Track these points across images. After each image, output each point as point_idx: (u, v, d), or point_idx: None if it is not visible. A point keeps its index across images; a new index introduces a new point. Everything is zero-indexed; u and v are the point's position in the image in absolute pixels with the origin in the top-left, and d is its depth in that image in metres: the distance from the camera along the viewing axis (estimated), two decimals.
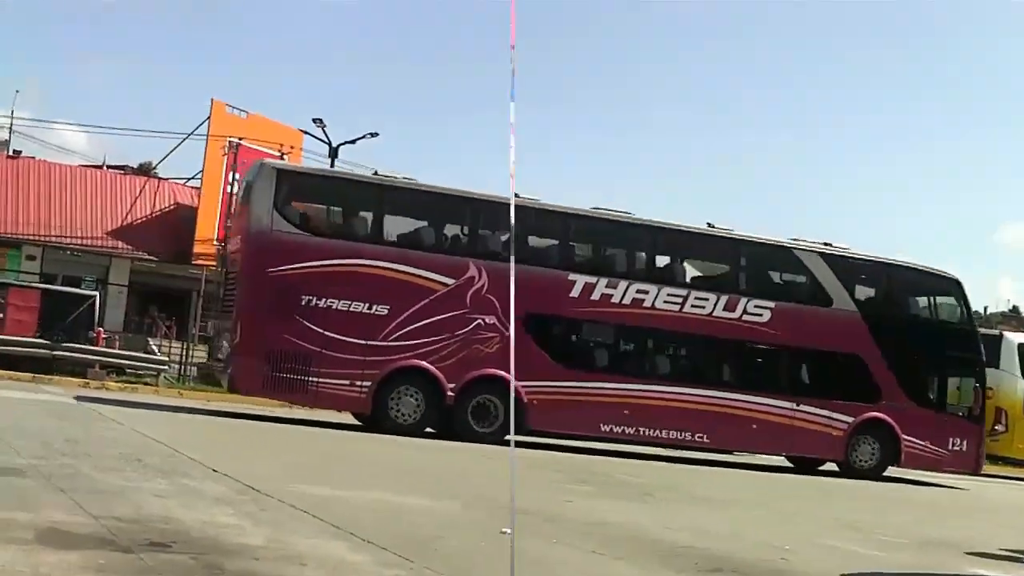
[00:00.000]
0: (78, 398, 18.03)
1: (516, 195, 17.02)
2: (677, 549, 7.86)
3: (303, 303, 16.64)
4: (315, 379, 16.75)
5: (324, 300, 16.73)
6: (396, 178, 17.85)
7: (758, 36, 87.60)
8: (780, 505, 13.08)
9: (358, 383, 16.87)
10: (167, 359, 28.30)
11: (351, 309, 16.84)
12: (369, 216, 17.79)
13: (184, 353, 29.29)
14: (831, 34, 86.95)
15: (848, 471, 18.81)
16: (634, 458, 17.88)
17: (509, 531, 5.67)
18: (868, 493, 16.50)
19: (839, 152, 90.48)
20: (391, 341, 16.97)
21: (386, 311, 16.96)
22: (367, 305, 16.88)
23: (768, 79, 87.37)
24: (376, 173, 18.18)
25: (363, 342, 16.80)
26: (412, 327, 16.99)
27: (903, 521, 12.41)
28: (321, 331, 16.66)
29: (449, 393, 16.99)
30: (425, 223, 18.03)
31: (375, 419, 17.14)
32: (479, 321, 16.91)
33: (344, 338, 16.73)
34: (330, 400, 17.46)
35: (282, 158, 35.10)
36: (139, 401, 19.32)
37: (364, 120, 78.91)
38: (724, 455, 19.95)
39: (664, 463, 17.51)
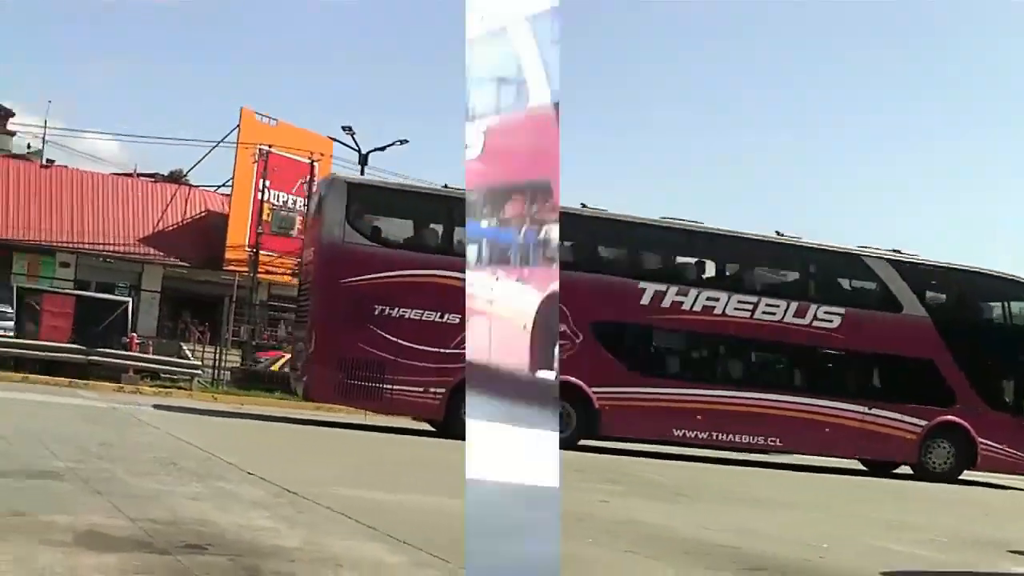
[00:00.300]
0: (113, 403, 18.07)
1: (583, 205, 17.45)
2: (710, 548, 7.81)
3: (376, 312, 16.83)
4: (389, 386, 16.96)
5: (397, 309, 16.95)
6: (464, 191, 17.80)
7: (758, 36, 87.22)
8: (824, 505, 12.95)
9: (431, 390, 17.02)
10: (200, 364, 28.32)
11: (423, 318, 17.01)
12: (439, 228, 18.02)
13: (217, 357, 29.34)
14: (831, 34, 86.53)
15: (922, 474, 18.73)
16: (661, 459, 17.68)
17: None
18: (928, 495, 16.32)
19: (839, 152, 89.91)
20: (463, 348, 16.91)
21: (458, 319, 16.96)
22: (439, 314, 17.01)
23: (768, 79, 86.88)
24: (446, 186, 18.25)
25: (436, 350, 16.90)
26: None
27: (957, 522, 12.29)
28: (394, 339, 16.88)
29: None
30: None
31: (448, 425, 17.18)
32: None
33: (417, 346, 16.88)
34: (405, 407, 17.62)
35: (312, 166, 35.19)
36: (173, 405, 19.44)
37: (364, 120, 78.68)
38: (766, 456, 19.85)
39: (697, 464, 17.32)
